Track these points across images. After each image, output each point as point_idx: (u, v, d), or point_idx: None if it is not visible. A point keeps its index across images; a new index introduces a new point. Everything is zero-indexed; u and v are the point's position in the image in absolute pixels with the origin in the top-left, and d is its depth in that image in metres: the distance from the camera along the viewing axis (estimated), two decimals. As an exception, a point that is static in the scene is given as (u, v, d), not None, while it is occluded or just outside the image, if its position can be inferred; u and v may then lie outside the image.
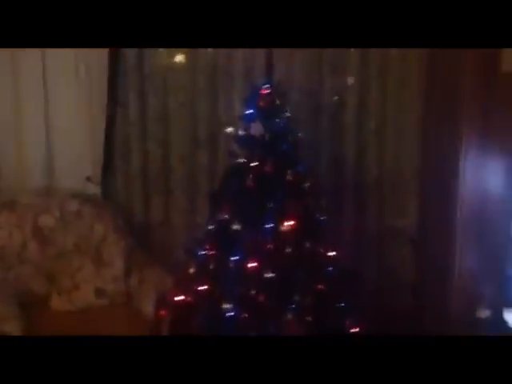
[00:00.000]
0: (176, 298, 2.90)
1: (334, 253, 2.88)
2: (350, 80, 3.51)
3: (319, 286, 2.83)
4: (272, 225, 2.76)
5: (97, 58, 3.34)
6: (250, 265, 2.74)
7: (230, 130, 3.24)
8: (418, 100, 3.35)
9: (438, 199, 2.94)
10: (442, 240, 2.79)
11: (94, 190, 3.52)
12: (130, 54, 3.46)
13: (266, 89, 2.81)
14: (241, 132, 2.88)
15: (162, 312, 2.98)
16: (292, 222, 2.75)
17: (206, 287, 2.86)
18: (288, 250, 2.78)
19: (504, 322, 2.34)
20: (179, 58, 3.54)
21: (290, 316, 2.75)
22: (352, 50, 3.40)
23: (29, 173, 3.47)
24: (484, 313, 2.52)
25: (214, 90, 3.51)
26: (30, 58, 3.30)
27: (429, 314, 3.04)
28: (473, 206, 2.56)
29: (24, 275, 3.13)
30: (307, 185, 2.87)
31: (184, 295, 2.90)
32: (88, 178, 3.52)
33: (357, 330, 2.88)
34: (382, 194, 3.55)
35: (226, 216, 2.87)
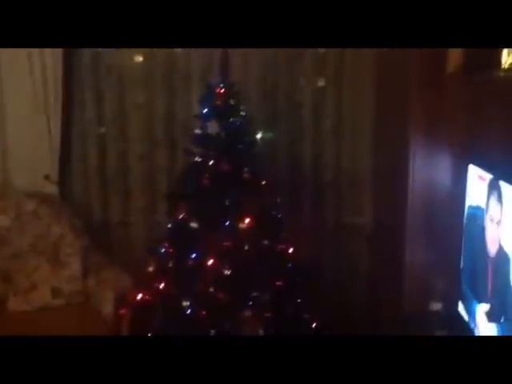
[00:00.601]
0: (135, 297, 2.91)
1: (292, 250, 2.94)
2: (307, 80, 3.55)
3: (277, 283, 2.87)
4: (229, 222, 2.79)
5: (52, 56, 3.31)
6: (208, 262, 2.77)
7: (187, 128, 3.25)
8: (371, 100, 3.42)
9: (390, 197, 3.01)
10: (395, 237, 2.85)
11: (51, 189, 3.49)
12: (85, 52, 3.45)
13: (221, 88, 2.84)
14: (197, 131, 2.90)
15: (122, 311, 2.99)
16: (249, 220, 2.78)
17: (164, 285, 2.88)
18: (246, 247, 2.82)
19: (458, 315, 2.41)
20: (136, 57, 3.53)
21: (248, 313, 2.79)
22: (307, 50, 3.44)
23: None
24: (437, 306, 2.59)
25: (171, 89, 3.51)
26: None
27: (384, 309, 3.11)
28: (423, 202, 2.62)
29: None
30: (263, 183, 2.91)
31: (143, 294, 2.91)
32: (46, 177, 3.48)
33: (314, 325, 2.94)
34: (338, 192, 3.60)
35: (184, 214, 2.89)
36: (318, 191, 3.58)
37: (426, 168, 2.57)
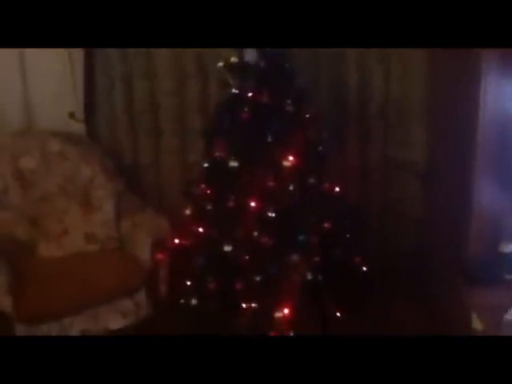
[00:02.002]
0: (173, 242, 2.75)
1: (339, 189, 2.72)
2: None
3: (325, 225, 2.67)
4: (272, 160, 2.56)
5: None
6: (250, 204, 2.56)
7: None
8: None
9: (450, 128, 2.71)
10: (454, 174, 2.58)
11: (77, 127, 3.27)
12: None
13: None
14: (233, 59, 2.63)
15: (159, 256, 2.84)
16: (293, 157, 2.55)
17: (203, 229, 2.70)
18: (290, 187, 2.61)
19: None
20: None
21: (295, 257, 2.60)
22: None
23: (4, 111, 3.21)
24: (508, 247, 2.35)
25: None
26: None
27: (442, 252, 2.88)
28: (493, 136, 2.30)
29: (6, 221, 2.91)
30: (308, 115, 2.66)
31: (181, 238, 2.74)
32: (71, 115, 3.26)
33: (364, 268, 2.75)
34: (387, 124, 3.29)
35: (222, 153, 2.67)
36: (366, 123, 3.28)
37: (497, 95, 2.24)
